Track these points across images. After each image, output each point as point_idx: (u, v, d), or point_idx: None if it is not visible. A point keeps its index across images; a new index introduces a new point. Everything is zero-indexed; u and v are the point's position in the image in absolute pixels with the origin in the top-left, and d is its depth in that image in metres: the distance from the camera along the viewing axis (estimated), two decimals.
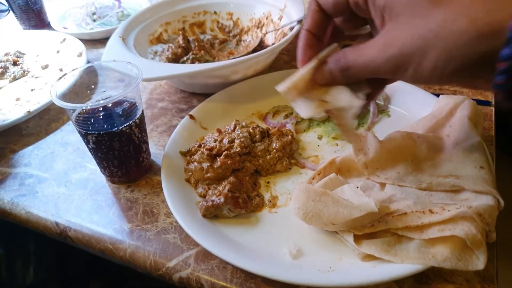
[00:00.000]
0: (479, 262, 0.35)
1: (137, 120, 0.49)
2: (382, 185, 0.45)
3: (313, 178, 0.48)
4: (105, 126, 0.47)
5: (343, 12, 0.39)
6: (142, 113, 0.50)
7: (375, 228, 0.39)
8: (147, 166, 0.55)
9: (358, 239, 0.39)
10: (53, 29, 0.95)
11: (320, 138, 0.58)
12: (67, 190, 0.54)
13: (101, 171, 0.54)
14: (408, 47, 0.32)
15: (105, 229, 0.48)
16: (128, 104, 0.49)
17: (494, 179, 0.43)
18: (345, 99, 0.37)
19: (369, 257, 0.39)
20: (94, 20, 0.98)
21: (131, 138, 0.49)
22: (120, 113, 0.49)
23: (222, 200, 0.43)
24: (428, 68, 0.31)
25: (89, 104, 0.45)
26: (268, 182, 0.50)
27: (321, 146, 0.56)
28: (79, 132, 0.48)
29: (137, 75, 0.48)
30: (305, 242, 0.42)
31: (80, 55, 0.81)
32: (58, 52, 0.86)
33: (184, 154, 0.53)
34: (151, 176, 0.54)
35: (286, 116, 0.61)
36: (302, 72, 0.38)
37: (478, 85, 0.33)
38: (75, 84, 0.52)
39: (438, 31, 0.30)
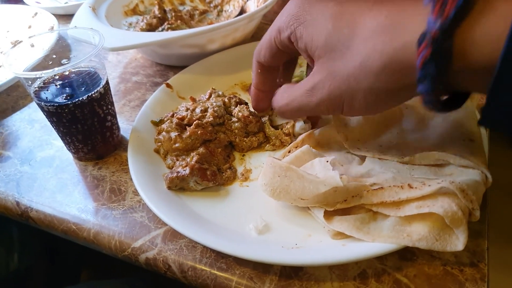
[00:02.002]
0: (458, 242, 0.32)
1: (100, 90, 0.45)
2: (363, 159, 0.41)
3: (289, 152, 0.44)
4: (64, 98, 0.43)
5: (283, 59, 0.42)
6: (107, 83, 0.46)
7: (348, 204, 0.35)
8: (116, 142, 0.51)
9: (330, 215, 0.36)
10: (25, 4, 0.90)
11: None
12: (31, 169, 0.51)
13: (66, 147, 0.50)
14: (336, 92, 0.33)
15: (68, 209, 0.45)
16: (90, 73, 0.45)
17: (485, 153, 0.39)
18: None
19: (340, 235, 0.35)
20: None
21: (94, 110, 0.45)
22: (82, 83, 0.45)
23: (187, 171, 0.40)
24: (361, 105, 0.32)
25: (43, 73, 0.41)
26: (244, 155, 0.47)
27: None
28: (38, 105, 0.45)
29: (99, 42, 0.44)
30: (274, 217, 0.38)
31: (51, 29, 0.76)
32: (30, 27, 0.81)
33: (156, 124, 0.49)
34: (121, 152, 0.51)
35: None
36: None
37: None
38: (45, 58, 0.48)
39: (357, 74, 0.30)
